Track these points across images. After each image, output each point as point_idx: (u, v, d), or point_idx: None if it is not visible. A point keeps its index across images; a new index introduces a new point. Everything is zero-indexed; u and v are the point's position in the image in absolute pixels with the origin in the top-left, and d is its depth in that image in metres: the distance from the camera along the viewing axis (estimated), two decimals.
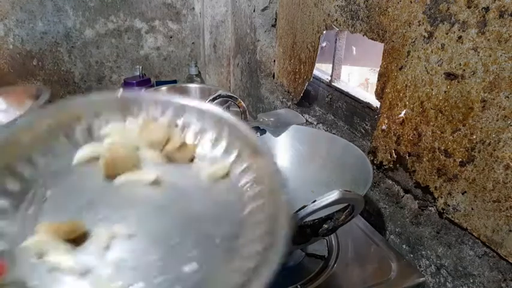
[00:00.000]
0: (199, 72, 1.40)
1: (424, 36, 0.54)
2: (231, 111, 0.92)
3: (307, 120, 0.91)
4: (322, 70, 0.96)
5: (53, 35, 1.28)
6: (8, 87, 0.80)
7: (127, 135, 0.41)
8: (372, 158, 0.68)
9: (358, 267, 0.55)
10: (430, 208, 0.58)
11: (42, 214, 0.32)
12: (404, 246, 0.63)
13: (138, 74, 1.29)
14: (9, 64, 1.27)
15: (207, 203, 0.35)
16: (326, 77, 0.91)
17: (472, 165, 0.49)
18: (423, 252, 0.59)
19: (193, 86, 1.08)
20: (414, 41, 0.56)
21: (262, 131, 0.69)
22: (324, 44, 0.95)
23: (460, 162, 0.51)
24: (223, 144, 0.39)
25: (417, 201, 0.60)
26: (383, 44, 0.62)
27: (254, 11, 1.13)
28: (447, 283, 0.55)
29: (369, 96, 0.77)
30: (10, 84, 1.28)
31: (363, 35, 0.67)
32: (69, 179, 0.36)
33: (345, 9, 0.72)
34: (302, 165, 0.66)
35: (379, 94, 0.65)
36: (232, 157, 0.37)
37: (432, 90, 0.54)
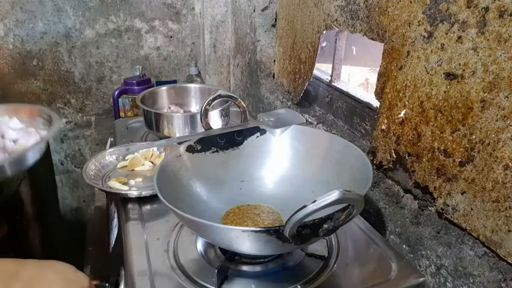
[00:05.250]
0: (199, 72, 1.40)
1: (424, 36, 0.54)
2: (231, 111, 0.93)
3: (307, 120, 0.91)
4: (322, 70, 0.96)
5: (53, 35, 1.28)
6: (11, 105, 0.79)
7: None
8: (371, 158, 0.68)
9: (358, 267, 0.55)
10: (430, 208, 0.58)
11: None
12: (404, 246, 0.63)
13: (138, 74, 1.29)
14: (9, 64, 1.27)
15: None
16: (326, 77, 0.91)
17: (471, 165, 0.49)
18: (423, 252, 0.59)
19: (193, 86, 1.08)
20: (414, 41, 0.56)
21: (262, 131, 0.69)
22: (324, 44, 0.95)
23: (459, 162, 0.51)
24: None
25: (417, 201, 0.60)
26: (383, 44, 0.63)
27: (254, 11, 1.13)
28: (447, 283, 0.55)
29: (368, 96, 0.77)
30: (10, 84, 1.28)
31: (363, 35, 0.68)
32: None
33: (345, 9, 0.72)
34: (302, 165, 0.66)
35: (379, 94, 0.65)
36: None
37: (432, 90, 0.54)
